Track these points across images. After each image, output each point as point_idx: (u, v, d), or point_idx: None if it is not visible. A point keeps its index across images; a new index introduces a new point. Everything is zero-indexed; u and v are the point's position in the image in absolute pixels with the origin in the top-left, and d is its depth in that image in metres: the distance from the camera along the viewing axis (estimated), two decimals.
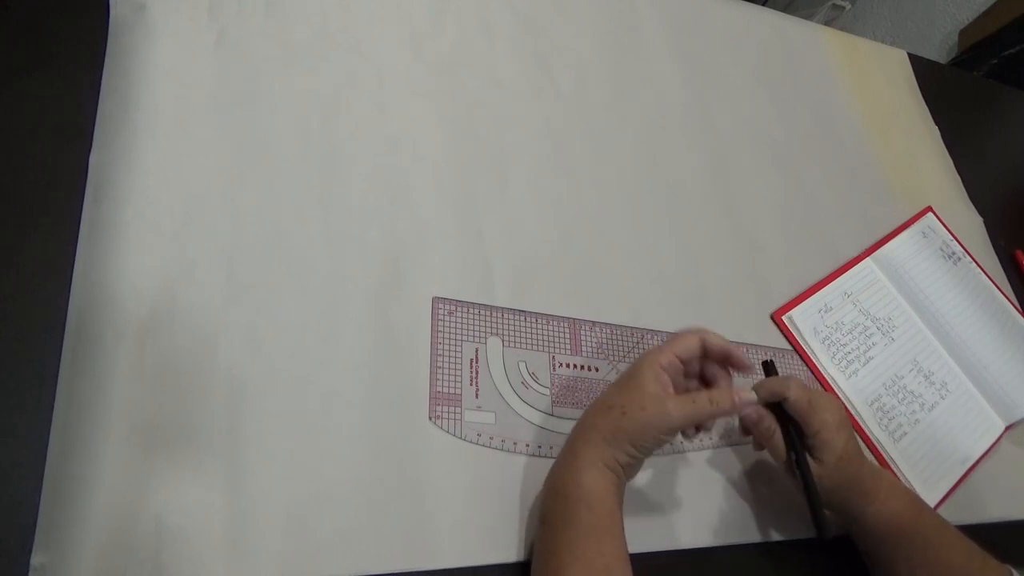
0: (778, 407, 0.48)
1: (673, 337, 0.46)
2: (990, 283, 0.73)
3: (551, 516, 0.41)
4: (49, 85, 0.46)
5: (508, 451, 0.46)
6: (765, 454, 0.53)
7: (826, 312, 0.64)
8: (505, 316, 0.51)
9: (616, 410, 0.42)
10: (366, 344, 0.46)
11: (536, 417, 0.48)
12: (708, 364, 0.47)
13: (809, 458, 0.47)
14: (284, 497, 0.40)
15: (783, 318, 0.62)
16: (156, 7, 0.51)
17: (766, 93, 0.76)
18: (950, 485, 0.58)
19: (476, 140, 0.57)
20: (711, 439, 0.53)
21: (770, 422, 0.48)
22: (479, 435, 0.46)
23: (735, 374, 0.47)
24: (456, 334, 0.49)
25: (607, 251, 0.57)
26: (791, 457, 0.47)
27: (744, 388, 0.46)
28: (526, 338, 0.51)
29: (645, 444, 0.42)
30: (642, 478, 0.48)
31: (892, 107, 0.86)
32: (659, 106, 0.68)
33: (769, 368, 0.52)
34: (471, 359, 0.48)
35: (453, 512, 0.43)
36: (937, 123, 0.87)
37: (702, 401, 0.43)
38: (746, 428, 0.50)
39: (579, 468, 0.41)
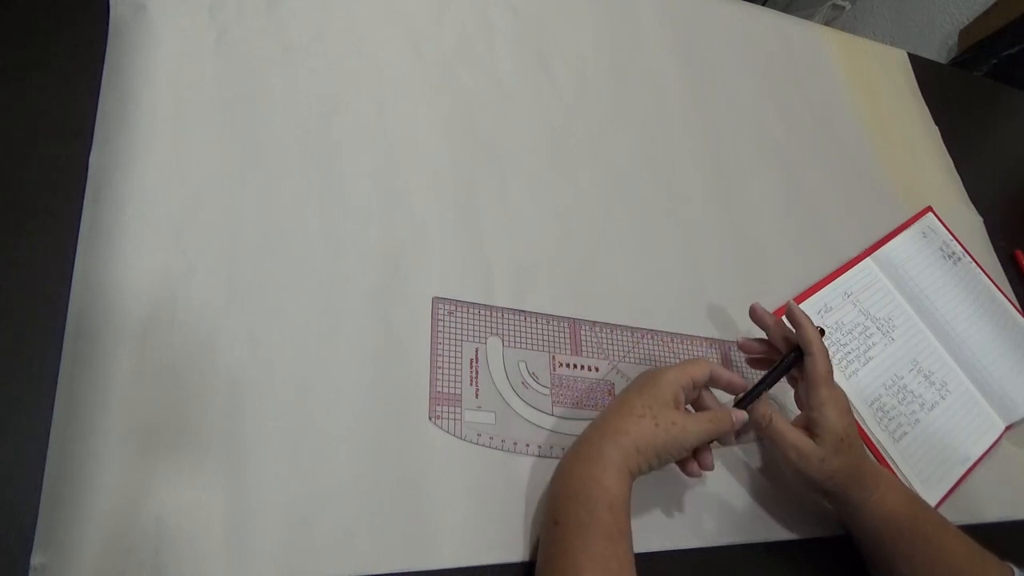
0: (798, 353, 0.50)
1: (688, 361, 0.47)
2: (990, 283, 0.73)
3: (566, 516, 0.40)
4: (49, 85, 0.46)
5: (508, 451, 0.46)
6: (764, 453, 0.53)
7: (826, 312, 0.64)
8: (505, 316, 0.51)
9: (648, 420, 0.43)
10: (366, 344, 0.46)
11: (536, 417, 0.48)
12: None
13: (806, 435, 0.47)
14: (284, 497, 0.40)
15: (783, 318, 0.61)
16: (156, 7, 0.51)
17: (766, 93, 0.76)
18: (950, 485, 0.58)
19: (476, 140, 0.57)
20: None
21: (764, 408, 0.48)
22: (479, 435, 0.46)
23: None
24: (456, 334, 0.49)
25: (607, 251, 0.57)
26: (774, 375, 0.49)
27: (735, 410, 0.47)
28: (526, 338, 0.51)
29: (668, 457, 0.44)
30: (643, 478, 0.48)
31: (892, 107, 0.86)
32: (659, 106, 0.68)
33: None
34: (471, 359, 0.48)
35: (453, 512, 0.43)
36: (937, 123, 0.87)
37: (716, 421, 0.45)
38: (738, 432, 0.50)
39: (604, 470, 0.41)
